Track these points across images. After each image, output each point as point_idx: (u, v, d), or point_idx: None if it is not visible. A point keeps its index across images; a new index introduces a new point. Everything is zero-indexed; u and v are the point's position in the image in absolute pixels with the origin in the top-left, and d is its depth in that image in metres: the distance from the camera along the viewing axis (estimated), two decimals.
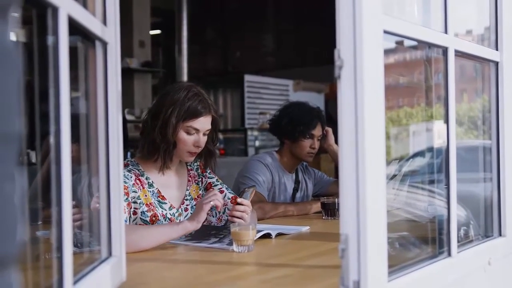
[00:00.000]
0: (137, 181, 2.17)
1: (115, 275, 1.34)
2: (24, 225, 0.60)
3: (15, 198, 0.57)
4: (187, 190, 2.34)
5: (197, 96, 2.18)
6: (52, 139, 0.99)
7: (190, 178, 2.37)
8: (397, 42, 1.44)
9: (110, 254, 1.36)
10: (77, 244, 1.31)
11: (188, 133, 2.18)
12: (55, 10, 0.98)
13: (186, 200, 2.32)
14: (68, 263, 1.00)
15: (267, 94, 7.80)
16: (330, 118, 3.25)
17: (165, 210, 2.22)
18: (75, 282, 1.07)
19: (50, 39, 0.99)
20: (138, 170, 2.21)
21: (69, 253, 1.00)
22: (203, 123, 2.20)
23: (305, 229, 2.34)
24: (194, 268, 1.74)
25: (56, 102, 0.98)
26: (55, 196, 0.99)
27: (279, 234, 2.18)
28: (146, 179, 2.22)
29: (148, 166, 2.25)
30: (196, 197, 2.35)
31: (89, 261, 1.30)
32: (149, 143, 2.19)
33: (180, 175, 2.34)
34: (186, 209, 2.30)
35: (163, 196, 2.23)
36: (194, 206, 2.31)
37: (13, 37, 0.60)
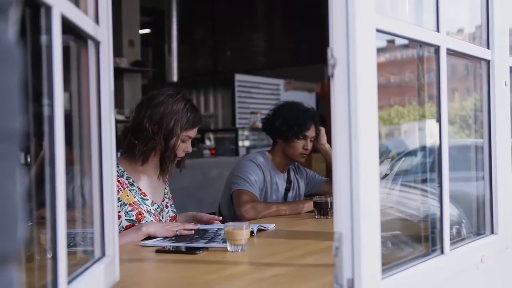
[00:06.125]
0: (117, 182, 2.18)
1: (108, 275, 1.34)
2: (24, 223, 0.60)
3: (16, 196, 0.57)
4: (165, 189, 2.45)
5: (194, 107, 2.32)
6: (45, 140, 0.98)
7: (166, 179, 2.47)
8: (388, 41, 1.45)
9: (103, 254, 1.35)
10: (69, 244, 1.30)
11: (184, 141, 2.29)
12: (48, 9, 0.98)
13: (166, 198, 2.43)
14: (62, 263, 0.99)
15: (258, 93, 7.78)
16: (322, 117, 3.24)
17: (148, 206, 2.29)
18: (69, 282, 1.06)
19: (43, 38, 0.99)
20: (117, 171, 2.23)
21: (63, 253, 1.00)
22: (196, 131, 2.34)
23: (271, 226, 2.36)
24: (188, 268, 1.73)
25: (50, 101, 0.98)
26: (49, 196, 0.98)
27: (259, 230, 2.23)
28: (126, 179, 2.27)
29: (130, 167, 2.30)
30: (170, 197, 2.48)
31: (82, 261, 1.29)
32: (149, 149, 2.25)
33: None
34: (166, 206, 2.41)
35: (144, 193, 2.30)
36: (172, 205, 2.45)
37: (13, 35, 0.60)
